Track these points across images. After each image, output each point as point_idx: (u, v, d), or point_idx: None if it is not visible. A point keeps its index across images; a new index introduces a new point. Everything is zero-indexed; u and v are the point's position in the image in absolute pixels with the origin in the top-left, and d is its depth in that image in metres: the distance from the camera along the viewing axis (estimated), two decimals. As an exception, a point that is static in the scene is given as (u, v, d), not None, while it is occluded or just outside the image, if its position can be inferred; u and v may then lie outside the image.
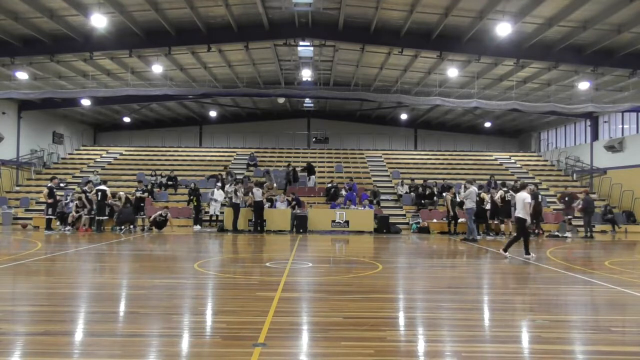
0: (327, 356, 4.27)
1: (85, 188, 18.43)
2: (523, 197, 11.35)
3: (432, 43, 18.94)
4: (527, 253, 11.26)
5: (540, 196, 19.28)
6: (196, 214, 20.40)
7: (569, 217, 18.71)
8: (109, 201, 18.09)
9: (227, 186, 20.56)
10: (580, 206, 18.37)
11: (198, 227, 20.02)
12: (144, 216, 19.01)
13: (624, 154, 25.22)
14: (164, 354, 4.38)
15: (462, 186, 17.10)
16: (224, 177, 23.26)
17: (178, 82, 24.57)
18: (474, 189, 16.37)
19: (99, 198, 17.57)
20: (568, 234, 18.35)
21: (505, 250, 11.68)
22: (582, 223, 18.95)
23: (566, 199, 18.86)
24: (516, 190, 19.20)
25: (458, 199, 17.70)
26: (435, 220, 20.52)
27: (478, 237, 16.47)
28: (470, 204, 16.10)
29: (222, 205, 20.30)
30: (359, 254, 12.94)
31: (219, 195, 20.45)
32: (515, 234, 11.62)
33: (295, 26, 19.00)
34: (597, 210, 20.75)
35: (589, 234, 18.01)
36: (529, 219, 11.51)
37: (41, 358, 4.22)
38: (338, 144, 34.19)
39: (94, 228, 17.85)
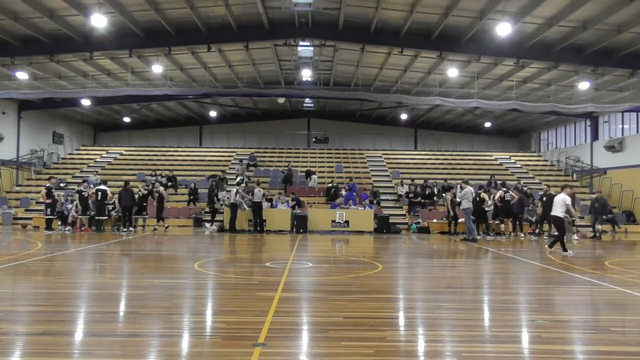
0: (327, 356, 4.27)
1: (81, 188, 18.25)
2: (563, 198, 12.03)
3: (432, 43, 18.95)
4: (565, 250, 12.01)
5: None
6: (212, 214, 20.40)
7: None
8: (110, 201, 18.06)
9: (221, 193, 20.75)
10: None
11: (214, 227, 19.87)
12: (146, 216, 18.81)
13: (624, 154, 25.21)
14: (164, 354, 4.38)
15: (458, 187, 17.13)
16: (222, 178, 23.25)
17: (178, 82, 24.57)
18: (469, 189, 16.42)
19: (98, 198, 17.54)
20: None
21: (564, 250, 12.06)
22: (583, 223, 18.89)
23: None
24: (521, 191, 19.36)
25: (458, 199, 17.70)
26: (435, 220, 20.53)
27: (478, 237, 16.47)
28: (466, 204, 16.14)
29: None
30: (359, 254, 12.93)
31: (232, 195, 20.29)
32: (556, 233, 12.47)
33: (295, 26, 19.00)
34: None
35: (598, 234, 17.94)
36: (575, 217, 12.55)
37: (41, 358, 4.22)
38: (338, 144, 34.17)
39: (94, 228, 17.83)
